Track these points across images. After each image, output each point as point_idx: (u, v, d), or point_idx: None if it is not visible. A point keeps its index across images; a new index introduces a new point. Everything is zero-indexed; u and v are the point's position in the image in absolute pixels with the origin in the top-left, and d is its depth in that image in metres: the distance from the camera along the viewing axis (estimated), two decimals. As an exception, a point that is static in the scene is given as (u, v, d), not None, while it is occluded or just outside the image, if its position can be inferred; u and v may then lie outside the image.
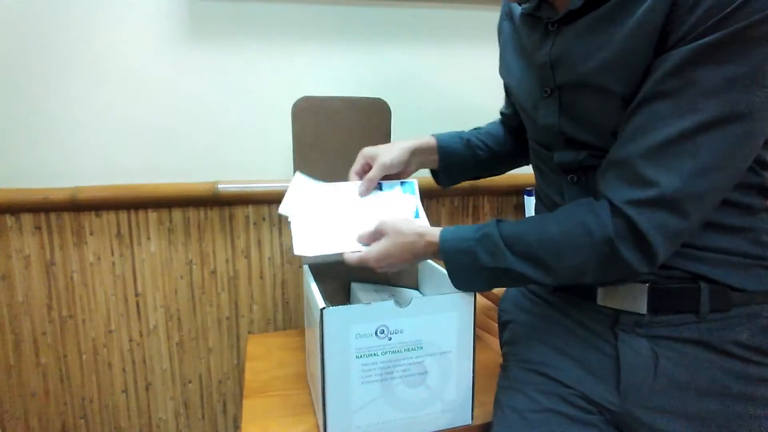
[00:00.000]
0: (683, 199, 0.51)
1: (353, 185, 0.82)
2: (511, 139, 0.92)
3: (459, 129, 1.03)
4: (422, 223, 0.77)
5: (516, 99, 0.75)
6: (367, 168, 0.81)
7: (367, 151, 0.82)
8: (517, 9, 0.72)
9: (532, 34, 0.67)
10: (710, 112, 0.49)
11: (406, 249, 0.68)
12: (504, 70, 0.79)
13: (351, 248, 0.72)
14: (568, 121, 0.64)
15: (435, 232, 0.67)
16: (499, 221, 0.63)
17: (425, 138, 0.86)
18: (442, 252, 0.65)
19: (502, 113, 0.95)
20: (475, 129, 0.94)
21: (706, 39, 0.48)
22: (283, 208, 0.81)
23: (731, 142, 0.50)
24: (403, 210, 0.80)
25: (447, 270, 0.66)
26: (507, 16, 0.77)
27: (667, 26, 0.51)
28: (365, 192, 0.81)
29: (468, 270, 0.64)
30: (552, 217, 0.60)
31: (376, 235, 0.71)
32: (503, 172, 0.96)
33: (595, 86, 0.58)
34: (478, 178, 0.95)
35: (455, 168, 0.89)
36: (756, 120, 0.50)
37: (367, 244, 0.73)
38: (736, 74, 0.48)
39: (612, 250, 0.54)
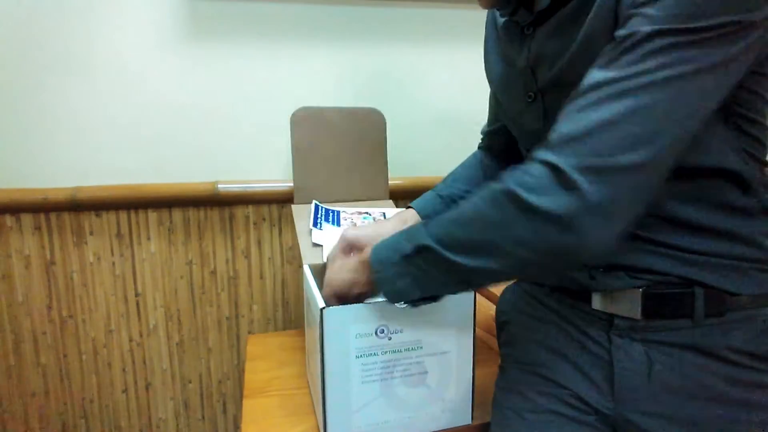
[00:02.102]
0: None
1: None
2: (491, 170, 0.88)
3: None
4: None
5: (503, 107, 0.75)
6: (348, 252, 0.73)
7: (350, 235, 0.71)
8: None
9: (512, 41, 0.68)
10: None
11: (343, 261, 0.66)
12: (489, 78, 0.79)
13: None
14: (552, 125, 0.63)
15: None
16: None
17: (407, 214, 0.82)
18: (372, 251, 0.61)
19: (485, 133, 0.92)
20: (449, 177, 0.90)
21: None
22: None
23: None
24: None
25: (375, 274, 0.60)
26: (491, 23, 0.77)
27: (617, 11, 0.51)
28: None
29: (391, 264, 0.59)
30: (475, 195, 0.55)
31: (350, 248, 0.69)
32: None
33: (569, 85, 0.57)
34: None
35: None
36: None
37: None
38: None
39: (518, 206, 0.49)
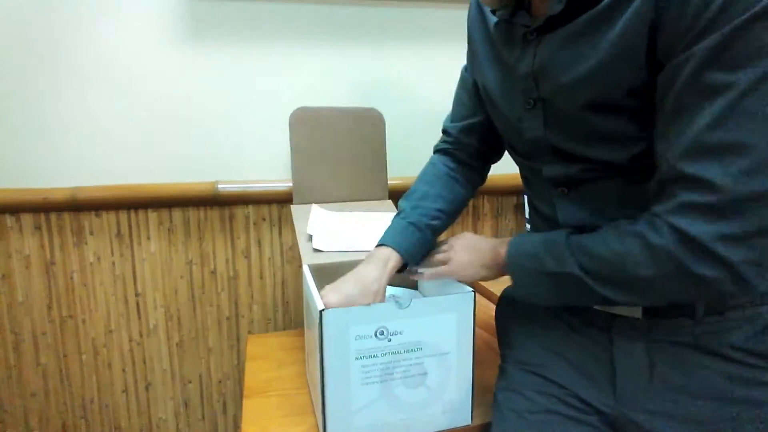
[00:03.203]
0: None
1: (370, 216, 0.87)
2: (458, 186, 0.82)
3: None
4: None
5: (496, 110, 0.72)
6: None
7: (333, 301, 0.67)
8: (491, 15, 0.69)
9: (510, 44, 0.65)
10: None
11: (476, 241, 0.72)
12: (479, 79, 0.75)
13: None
14: (556, 133, 0.62)
15: (504, 239, 0.69)
16: (567, 232, 0.62)
17: (390, 261, 0.72)
18: (508, 255, 0.66)
19: (451, 129, 0.84)
20: (413, 198, 0.79)
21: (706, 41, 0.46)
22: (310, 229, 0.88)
23: None
24: None
25: (511, 276, 0.66)
26: (477, 22, 0.74)
27: (656, 33, 0.49)
28: None
29: (533, 274, 0.63)
30: (615, 228, 0.56)
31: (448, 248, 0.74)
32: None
33: (581, 95, 0.57)
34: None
35: (421, 254, 0.77)
36: None
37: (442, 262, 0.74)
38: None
39: (681, 271, 0.50)
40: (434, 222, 0.77)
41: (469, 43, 0.77)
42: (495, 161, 0.88)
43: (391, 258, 0.72)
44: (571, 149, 0.61)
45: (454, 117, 0.85)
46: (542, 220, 0.71)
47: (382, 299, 0.70)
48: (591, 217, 0.62)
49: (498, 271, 0.70)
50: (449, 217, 0.80)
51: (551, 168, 0.65)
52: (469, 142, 0.83)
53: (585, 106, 0.57)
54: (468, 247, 0.73)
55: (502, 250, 0.67)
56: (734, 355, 0.58)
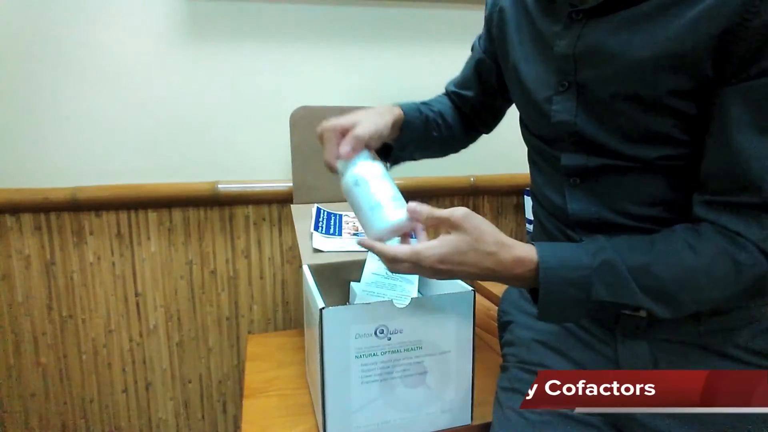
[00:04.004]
0: None
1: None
2: (460, 125, 0.84)
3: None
4: None
5: (522, 89, 0.69)
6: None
7: (336, 123, 0.66)
8: None
9: (551, 21, 0.62)
10: None
11: (483, 259, 0.52)
12: (506, 55, 0.72)
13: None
14: (586, 119, 0.60)
15: (530, 250, 0.53)
16: (610, 240, 0.54)
17: (395, 110, 0.73)
18: (544, 281, 0.52)
19: (457, 93, 0.85)
20: (426, 104, 0.82)
21: None
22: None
23: None
24: None
25: (542, 300, 0.53)
26: None
27: (731, 38, 0.48)
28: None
29: (573, 303, 0.53)
30: (682, 242, 0.53)
31: (447, 226, 0.54)
32: (438, 157, 0.87)
33: (625, 86, 0.55)
34: (413, 159, 0.82)
35: (408, 146, 0.77)
36: None
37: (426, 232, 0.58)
38: None
39: (762, 286, 0.51)
40: (434, 128, 0.79)
41: (493, 12, 0.75)
42: (476, 138, 0.90)
43: (396, 111, 0.73)
44: (598, 139, 0.59)
45: (455, 80, 0.87)
46: (548, 213, 0.70)
47: (381, 123, 0.68)
48: (602, 210, 0.61)
49: (506, 280, 0.56)
50: (441, 137, 0.81)
51: (570, 157, 0.62)
52: (459, 113, 0.86)
53: (625, 98, 0.55)
54: (469, 239, 0.53)
55: (528, 262, 0.53)
56: (738, 354, 0.58)
